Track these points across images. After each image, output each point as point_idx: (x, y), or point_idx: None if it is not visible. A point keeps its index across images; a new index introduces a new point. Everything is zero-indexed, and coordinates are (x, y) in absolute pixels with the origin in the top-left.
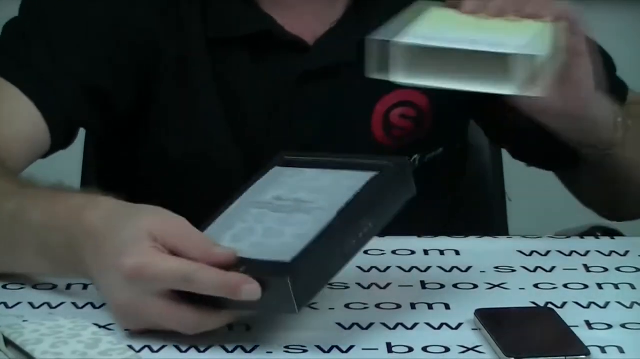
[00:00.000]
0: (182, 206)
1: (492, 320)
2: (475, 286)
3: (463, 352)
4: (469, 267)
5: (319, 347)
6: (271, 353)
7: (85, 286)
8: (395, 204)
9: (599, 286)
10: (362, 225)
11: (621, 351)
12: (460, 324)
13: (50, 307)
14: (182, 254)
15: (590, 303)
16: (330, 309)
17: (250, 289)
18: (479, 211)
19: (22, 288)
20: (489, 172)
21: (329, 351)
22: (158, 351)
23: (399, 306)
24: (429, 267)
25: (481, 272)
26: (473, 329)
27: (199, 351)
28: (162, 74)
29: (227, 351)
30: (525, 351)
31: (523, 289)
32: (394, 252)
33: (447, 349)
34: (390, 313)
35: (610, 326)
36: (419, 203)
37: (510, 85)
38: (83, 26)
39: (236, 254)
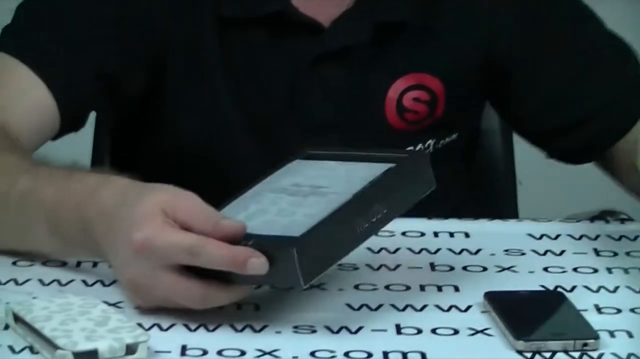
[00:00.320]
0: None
1: (501, 303)
2: (485, 269)
3: (472, 334)
4: (478, 250)
5: (327, 327)
6: (280, 332)
7: (94, 264)
8: (412, 195)
9: (609, 270)
10: (375, 210)
11: (630, 335)
12: (469, 307)
13: (60, 284)
14: (191, 228)
15: (599, 287)
16: (339, 290)
17: (256, 262)
18: (490, 195)
19: (31, 265)
20: (500, 155)
21: (338, 331)
22: (167, 329)
23: (408, 288)
24: (438, 249)
25: (491, 255)
26: (482, 312)
27: (208, 330)
28: (172, 58)
29: (236, 331)
30: (534, 334)
31: (532, 272)
32: (403, 233)
33: (456, 332)
34: (399, 294)
35: (619, 311)
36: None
37: None
38: (93, 9)
39: (244, 227)
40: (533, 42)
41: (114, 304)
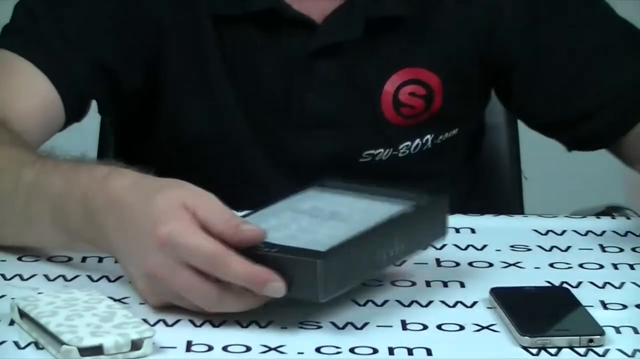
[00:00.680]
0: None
1: (507, 299)
2: (491, 265)
3: (477, 330)
4: (484, 246)
5: (333, 323)
6: (285, 328)
7: (100, 259)
8: (427, 238)
9: (615, 266)
10: (394, 243)
11: (636, 331)
12: (475, 303)
13: (65, 279)
14: (211, 227)
15: (605, 283)
16: None
17: (275, 286)
18: (495, 190)
19: (37, 260)
20: (505, 151)
21: (344, 327)
22: (173, 325)
23: (413, 284)
24: (444, 245)
25: (496, 250)
26: (488, 308)
27: (214, 326)
28: (170, 55)
29: (242, 326)
30: (539, 330)
31: (538, 268)
32: None
33: (462, 328)
34: (405, 290)
35: (625, 307)
36: (436, 183)
37: None
38: (92, 6)
39: (264, 234)
40: (535, 32)
41: (119, 300)
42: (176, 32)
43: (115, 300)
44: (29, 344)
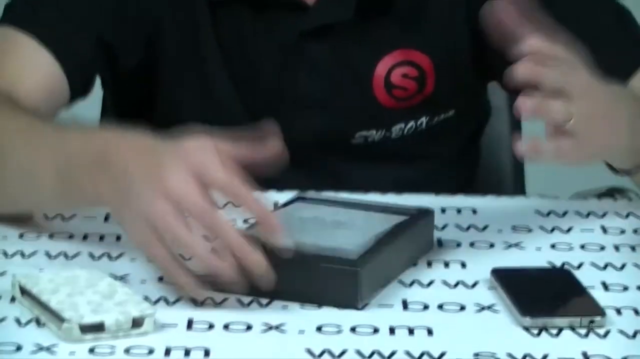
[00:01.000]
0: None
1: (508, 279)
2: (492, 245)
3: (478, 311)
4: (485, 226)
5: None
6: (286, 307)
7: (101, 237)
8: (418, 250)
9: (616, 247)
10: (403, 253)
11: (637, 312)
12: (476, 283)
13: (67, 257)
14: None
15: (606, 264)
16: None
17: (256, 259)
18: (497, 171)
19: (38, 238)
20: (507, 132)
21: (345, 307)
22: (174, 303)
23: (415, 264)
24: (445, 226)
25: (498, 231)
26: (489, 288)
27: (215, 304)
28: (166, 35)
29: (243, 305)
30: (540, 311)
31: (539, 249)
32: None
33: (463, 308)
34: (406, 269)
35: (626, 288)
36: (432, 165)
37: None
38: None
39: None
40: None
41: (120, 278)
42: (172, 15)
43: (116, 278)
44: (29, 322)
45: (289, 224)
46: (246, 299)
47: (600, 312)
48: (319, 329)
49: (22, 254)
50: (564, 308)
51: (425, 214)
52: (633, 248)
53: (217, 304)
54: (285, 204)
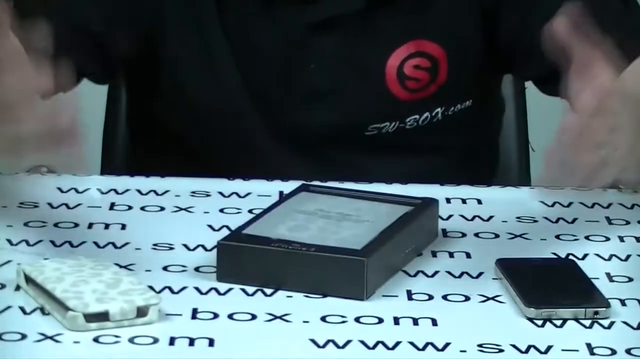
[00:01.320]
0: (200, 146)
1: (512, 270)
2: (497, 236)
3: (483, 301)
4: (490, 217)
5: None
6: (291, 297)
7: (106, 226)
8: (424, 241)
9: (621, 238)
10: (408, 243)
11: None
12: (480, 274)
13: (72, 246)
14: None
15: (611, 256)
16: None
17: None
18: (502, 161)
19: (43, 226)
20: (512, 122)
21: (351, 297)
22: (178, 292)
23: (419, 254)
24: (450, 216)
25: (503, 222)
26: (493, 279)
27: (219, 294)
28: (169, 23)
29: (247, 294)
30: (545, 302)
31: (544, 240)
32: None
33: (467, 298)
34: (411, 260)
35: (631, 279)
36: (452, 159)
37: None
38: None
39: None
40: None
41: (125, 267)
42: (175, 3)
43: (121, 267)
44: (34, 310)
45: (294, 216)
46: (251, 289)
47: (605, 303)
48: (323, 319)
49: (27, 243)
50: (569, 299)
51: (430, 204)
52: (638, 239)
53: (222, 294)
54: (290, 195)
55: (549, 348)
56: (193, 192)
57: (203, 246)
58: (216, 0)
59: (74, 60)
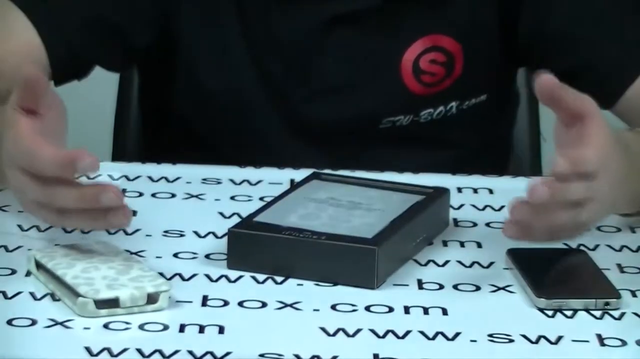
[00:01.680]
0: (213, 135)
1: (523, 260)
2: None
3: (494, 291)
4: (502, 207)
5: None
6: (302, 285)
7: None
8: (435, 229)
9: (632, 229)
10: (419, 232)
11: None
12: (491, 263)
13: (82, 232)
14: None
15: (622, 246)
16: None
17: (90, 161)
18: (514, 151)
19: None
20: (525, 112)
21: (361, 286)
22: (189, 279)
23: (430, 243)
24: (462, 205)
25: None
26: (504, 269)
27: (229, 281)
28: (186, 14)
29: (258, 282)
30: (555, 292)
31: None
32: None
33: (478, 288)
34: (422, 249)
35: None
36: (465, 153)
37: None
38: None
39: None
40: None
41: (136, 253)
42: None
43: (132, 253)
44: (45, 296)
45: (305, 204)
46: (261, 277)
47: (616, 294)
48: (333, 307)
49: (38, 229)
50: (579, 290)
51: (441, 193)
52: None
53: (232, 282)
54: (301, 183)
55: (560, 338)
56: (204, 179)
57: (214, 233)
58: None
59: (90, 50)
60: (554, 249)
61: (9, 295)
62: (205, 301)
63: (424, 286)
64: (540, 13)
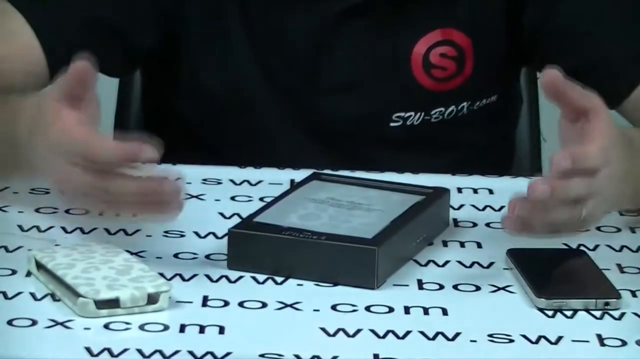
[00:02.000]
0: (216, 134)
1: (523, 260)
2: None
3: (493, 291)
4: (502, 207)
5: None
6: (302, 285)
7: (118, 213)
8: (435, 229)
9: (632, 229)
10: (419, 233)
11: None
12: (491, 263)
13: (83, 232)
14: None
15: (622, 247)
16: None
17: (152, 153)
18: (514, 152)
19: (54, 212)
20: (525, 112)
21: (361, 286)
22: (189, 279)
23: (430, 244)
24: (462, 205)
25: None
26: (504, 269)
27: (230, 281)
28: (188, 13)
29: (258, 282)
30: (555, 292)
31: None
32: None
33: (478, 288)
34: (422, 249)
35: None
36: (470, 154)
37: None
38: None
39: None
40: None
41: (136, 254)
42: None
43: (132, 253)
44: (45, 296)
45: (305, 204)
46: (261, 277)
47: (616, 294)
48: (333, 308)
49: (38, 229)
50: (579, 290)
51: (441, 193)
52: None
53: (232, 282)
54: (301, 183)
55: (560, 338)
56: (204, 179)
57: (214, 234)
58: None
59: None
60: (554, 250)
61: (10, 295)
62: (205, 301)
63: (424, 286)
64: (545, 9)
